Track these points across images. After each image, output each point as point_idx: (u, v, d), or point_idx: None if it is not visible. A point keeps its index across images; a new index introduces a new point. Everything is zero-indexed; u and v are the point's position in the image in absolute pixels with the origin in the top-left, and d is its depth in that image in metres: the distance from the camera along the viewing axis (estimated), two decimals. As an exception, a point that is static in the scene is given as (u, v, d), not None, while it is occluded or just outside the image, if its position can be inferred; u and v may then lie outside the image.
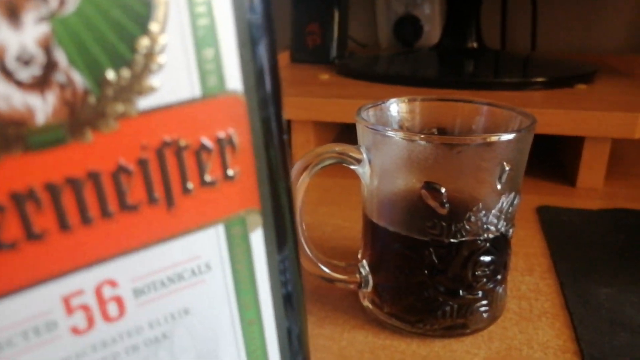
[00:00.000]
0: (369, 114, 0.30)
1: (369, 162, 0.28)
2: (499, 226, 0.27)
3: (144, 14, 0.12)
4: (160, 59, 0.12)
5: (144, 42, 0.12)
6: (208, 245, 0.14)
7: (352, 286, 0.31)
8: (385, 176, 0.28)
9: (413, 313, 0.29)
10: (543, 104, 0.50)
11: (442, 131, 0.31)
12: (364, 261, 0.31)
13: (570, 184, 0.51)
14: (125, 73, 0.12)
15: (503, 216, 0.27)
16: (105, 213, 0.13)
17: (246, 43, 0.13)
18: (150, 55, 0.12)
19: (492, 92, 0.55)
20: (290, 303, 0.16)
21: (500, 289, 0.29)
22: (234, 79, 0.13)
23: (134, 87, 0.12)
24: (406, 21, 0.83)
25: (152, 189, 0.13)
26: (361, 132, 0.28)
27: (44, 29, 0.11)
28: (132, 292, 0.13)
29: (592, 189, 0.49)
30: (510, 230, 0.29)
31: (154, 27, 0.12)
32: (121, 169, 0.12)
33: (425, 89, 0.57)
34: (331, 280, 0.30)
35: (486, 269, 0.28)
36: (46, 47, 0.11)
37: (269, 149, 0.15)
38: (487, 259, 0.27)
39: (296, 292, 0.16)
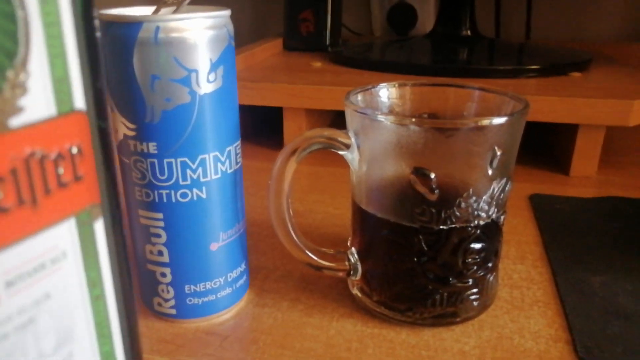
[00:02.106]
0: (358, 99, 0.29)
1: (358, 147, 0.27)
2: (490, 212, 0.27)
3: (13, 50, 0.15)
4: (27, 84, 0.15)
5: (12, 73, 0.15)
6: (64, 236, 0.17)
7: (340, 274, 0.30)
8: (374, 162, 0.27)
9: (402, 301, 0.28)
10: (537, 91, 0.49)
11: (433, 116, 0.31)
12: (353, 248, 0.30)
13: (564, 172, 0.50)
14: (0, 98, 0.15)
15: (494, 202, 0.27)
16: (-16, 218, 0.15)
17: (86, 69, 0.17)
18: (18, 82, 0.15)
19: (486, 80, 0.54)
20: (126, 277, 0.20)
21: (491, 277, 0.29)
22: (79, 100, 0.17)
23: (6, 109, 0.15)
24: (400, 9, 0.82)
25: (21, 192, 0.16)
26: (350, 117, 0.28)
27: None
28: (4, 285, 0.15)
29: (586, 177, 0.49)
30: (502, 217, 0.28)
31: (21, 58, 0.15)
32: None
33: (418, 77, 0.56)
34: (319, 268, 0.30)
35: (477, 257, 0.27)
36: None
37: (105, 153, 0.18)
38: (477, 246, 0.27)
39: (127, 267, 0.20)
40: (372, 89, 0.30)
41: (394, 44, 0.75)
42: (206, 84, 0.25)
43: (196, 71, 0.24)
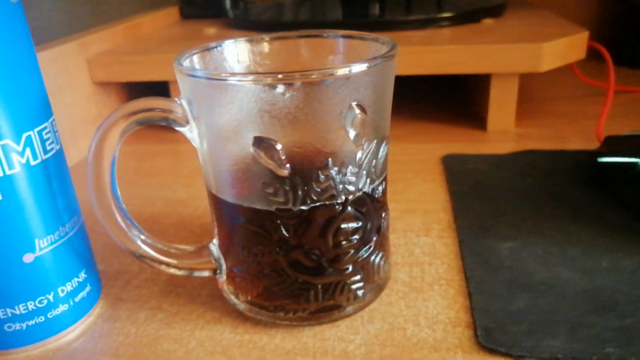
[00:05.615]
0: (194, 61, 0.23)
1: (194, 120, 0.22)
2: (360, 185, 0.22)
3: None
4: None
5: None
6: None
7: (206, 273, 0.25)
8: (213, 136, 0.22)
9: (271, 299, 0.24)
10: (449, 41, 0.45)
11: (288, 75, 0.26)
12: (215, 240, 0.25)
13: (482, 128, 0.46)
14: None
15: (364, 172, 0.22)
16: None
17: None
18: None
19: (400, 32, 0.49)
20: None
21: (376, 258, 0.24)
22: None
23: None
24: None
25: None
26: (180, 84, 0.22)
27: None
28: None
29: (504, 131, 0.45)
30: (380, 188, 0.23)
31: None
32: None
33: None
34: (170, 267, 0.25)
35: (352, 238, 0.23)
36: None
37: None
38: (350, 225, 0.22)
39: None
40: (216, 48, 0.25)
41: (301, 3, 0.69)
42: (-32, 53, 0.19)
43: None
